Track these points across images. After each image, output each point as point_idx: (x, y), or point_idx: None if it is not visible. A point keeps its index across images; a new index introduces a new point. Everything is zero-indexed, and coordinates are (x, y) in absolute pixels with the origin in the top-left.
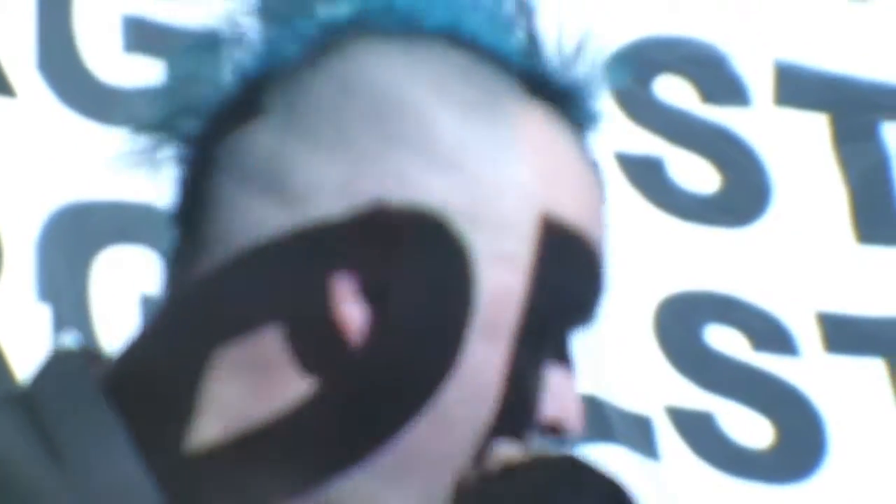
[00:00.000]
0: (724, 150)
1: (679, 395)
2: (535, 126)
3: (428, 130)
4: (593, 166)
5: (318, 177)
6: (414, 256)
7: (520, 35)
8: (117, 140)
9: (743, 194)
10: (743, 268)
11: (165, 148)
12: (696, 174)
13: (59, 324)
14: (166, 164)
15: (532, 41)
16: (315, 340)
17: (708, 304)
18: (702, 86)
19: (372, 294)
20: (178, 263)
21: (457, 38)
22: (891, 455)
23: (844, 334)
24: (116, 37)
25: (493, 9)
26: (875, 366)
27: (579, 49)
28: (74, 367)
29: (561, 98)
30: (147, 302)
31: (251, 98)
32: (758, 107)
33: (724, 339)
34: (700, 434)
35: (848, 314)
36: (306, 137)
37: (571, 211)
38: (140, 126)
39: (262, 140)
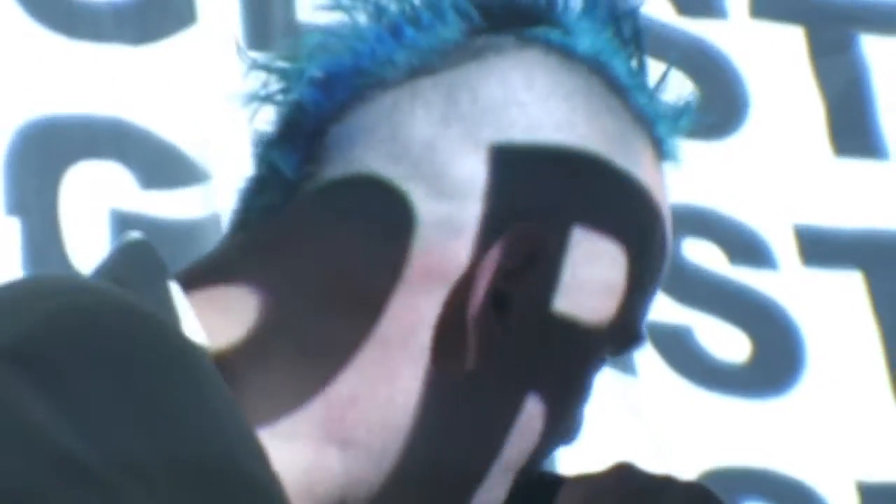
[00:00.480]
0: (700, 62)
1: (656, 310)
2: (650, 161)
3: (577, 156)
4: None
5: (476, 175)
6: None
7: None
8: (85, 54)
9: (719, 107)
10: (720, 181)
11: (288, 89)
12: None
13: (29, 238)
14: (283, 104)
15: (641, 72)
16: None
17: (685, 217)
18: None
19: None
20: (265, 194)
21: (596, 67)
22: (868, 368)
23: (821, 247)
24: None
25: (622, 44)
26: (852, 278)
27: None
28: (146, 252)
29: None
30: (116, 216)
31: (398, 69)
32: (733, 19)
33: (701, 253)
34: (677, 349)
35: (825, 226)
36: (468, 136)
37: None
38: (268, 66)
39: (421, 125)
